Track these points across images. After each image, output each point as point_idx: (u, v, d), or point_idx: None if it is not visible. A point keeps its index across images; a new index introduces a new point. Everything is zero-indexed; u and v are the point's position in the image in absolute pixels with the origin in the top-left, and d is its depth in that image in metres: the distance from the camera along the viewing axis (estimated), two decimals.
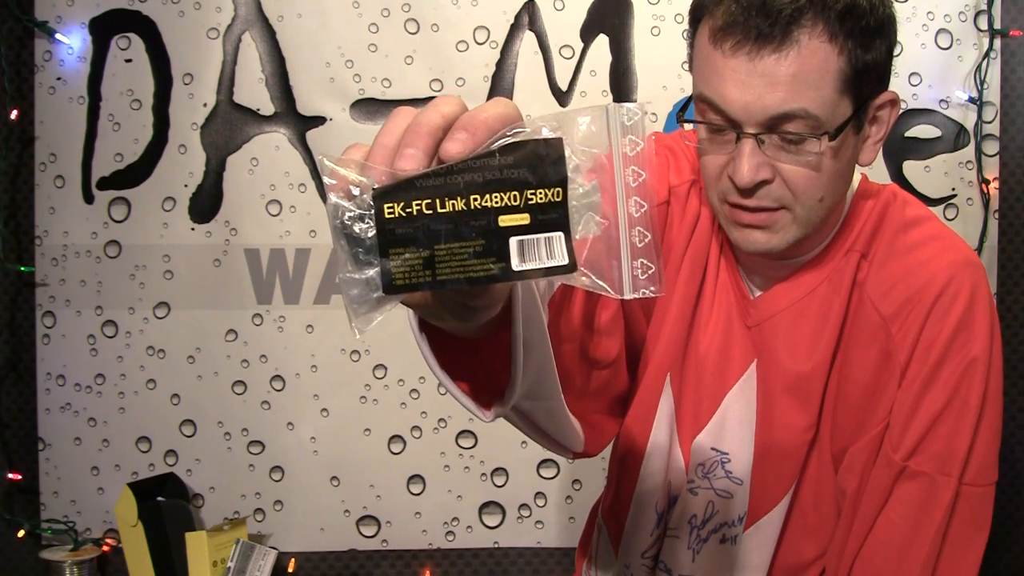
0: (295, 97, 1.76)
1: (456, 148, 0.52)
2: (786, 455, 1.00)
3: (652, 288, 0.56)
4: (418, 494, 1.81)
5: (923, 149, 1.76)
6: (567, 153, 0.53)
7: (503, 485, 1.80)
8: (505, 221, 0.52)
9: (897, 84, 1.75)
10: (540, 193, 0.52)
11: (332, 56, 1.75)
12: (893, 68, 1.85)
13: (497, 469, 1.80)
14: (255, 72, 1.75)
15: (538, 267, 0.53)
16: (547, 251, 0.53)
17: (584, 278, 0.54)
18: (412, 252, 0.52)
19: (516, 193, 0.52)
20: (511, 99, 1.81)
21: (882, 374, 0.95)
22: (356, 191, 0.53)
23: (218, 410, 1.79)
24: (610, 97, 1.76)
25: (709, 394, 1.02)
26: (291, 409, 1.80)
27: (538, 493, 1.81)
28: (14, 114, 1.75)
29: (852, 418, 0.97)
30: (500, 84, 1.76)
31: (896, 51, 1.78)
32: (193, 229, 1.78)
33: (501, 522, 1.81)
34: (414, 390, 1.79)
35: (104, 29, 1.76)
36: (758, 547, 1.02)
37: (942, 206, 1.75)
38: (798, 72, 0.86)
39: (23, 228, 1.78)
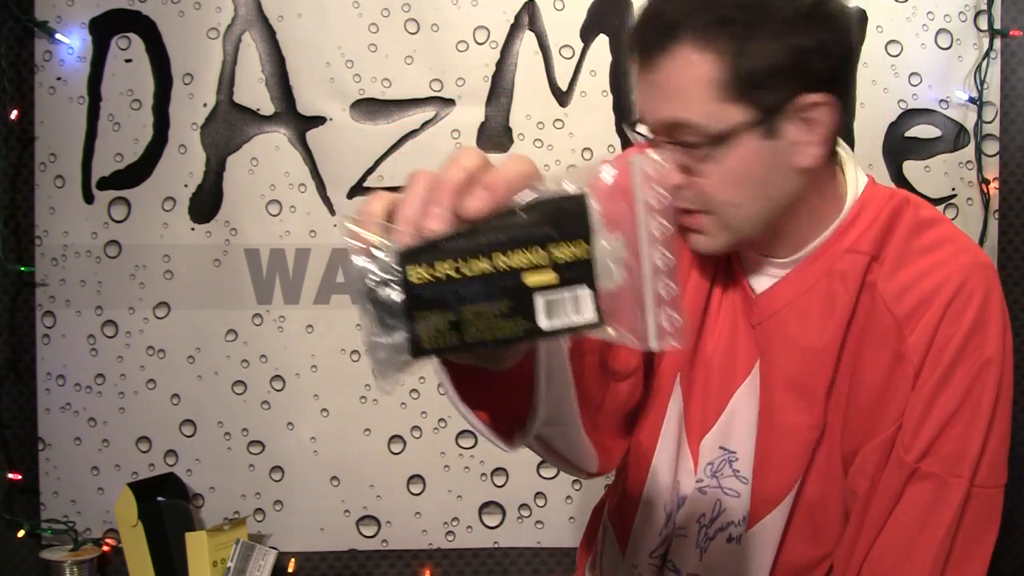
0: (295, 97, 1.76)
1: (476, 204, 0.52)
2: (788, 455, 1.00)
3: (678, 340, 0.55)
4: (418, 494, 1.81)
5: (923, 149, 1.76)
6: (591, 208, 0.52)
7: (503, 485, 1.80)
8: (531, 280, 0.52)
9: (897, 84, 1.75)
10: (565, 250, 0.52)
11: (332, 56, 1.75)
12: (893, 68, 1.84)
13: (497, 469, 1.80)
14: (255, 72, 1.76)
15: (565, 325, 0.52)
16: (573, 308, 0.52)
17: (611, 330, 0.53)
18: (439, 315, 0.52)
19: (541, 250, 0.52)
20: (511, 99, 1.82)
21: (894, 376, 0.95)
22: (381, 254, 0.52)
23: (218, 410, 1.79)
24: (610, 97, 1.76)
25: (716, 394, 1.02)
26: (291, 409, 1.80)
27: (538, 493, 1.80)
28: (14, 114, 1.75)
29: (864, 420, 0.97)
30: (500, 84, 1.76)
31: (896, 51, 1.79)
32: (193, 229, 1.78)
33: (501, 522, 1.81)
34: (414, 390, 1.79)
35: (104, 29, 1.76)
36: (761, 546, 1.02)
37: (942, 206, 1.75)
38: (673, 82, 0.90)
39: (23, 228, 1.78)
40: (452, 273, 0.52)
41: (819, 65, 0.91)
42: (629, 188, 0.54)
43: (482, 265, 0.52)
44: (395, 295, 0.52)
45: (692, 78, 0.89)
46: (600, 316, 0.52)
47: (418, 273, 0.52)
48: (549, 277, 0.52)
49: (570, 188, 0.53)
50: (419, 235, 0.52)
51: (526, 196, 0.53)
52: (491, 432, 0.69)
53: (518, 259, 0.52)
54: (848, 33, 0.94)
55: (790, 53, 0.89)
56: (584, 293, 0.52)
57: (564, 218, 0.52)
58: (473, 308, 0.52)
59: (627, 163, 0.54)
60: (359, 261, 0.52)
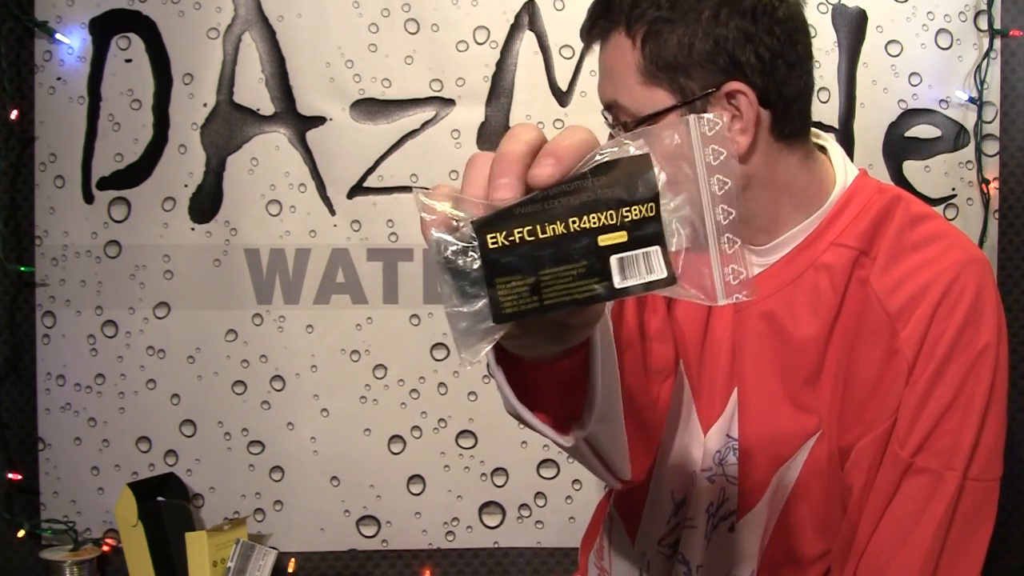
0: (295, 97, 1.76)
1: (546, 172, 0.53)
2: (766, 444, 1.00)
3: (744, 292, 0.57)
4: (418, 494, 1.81)
5: (923, 149, 1.76)
6: (656, 168, 0.54)
7: (503, 485, 1.80)
8: (604, 240, 0.53)
9: (897, 84, 1.75)
10: (635, 210, 0.53)
11: (332, 56, 1.75)
12: (893, 68, 1.85)
13: (497, 469, 1.80)
14: (255, 72, 1.76)
15: (639, 283, 0.54)
16: (646, 266, 0.54)
17: (680, 288, 0.55)
18: (518, 280, 0.53)
19: (612, 212, 0.53)
20: (511, 99, 1.83)
21: (888, 371, 0.95)
22: (456, 224, 0.54)
23: (218, 410, 1.79)
24: None
25: (724, 381, 1.03)
26: (291, 409, 1.80)
27: (538, 493, 1.81)
28: (14, 114, 1.75)
29: (858, 415, 0.97)
30: (500, 84, 1.76)
31: (896, 51, 1.79)
32: (193, 229, 1.78)
33: (501, 522, 1.81)
34: (414, 390, 1.79)
35: (104, 29, 1.76)
36: (748, 536, 1.03)
37: (942, 206, 1.75)
38: (608, 65, 0.98)
39: (23, 228, 1.78)
40: (528, 238, 0.53)
41: (744, 56, 0.93)
42: (686, 149, 0.56)
43: (557, 228, 0.53)
44: (474, 263, 0.53)
45: (622, 61, 0.95)
46: (671, 273, 0.54)
47: (495, 239, 0.53)
48: (621, 237, 0.53)
49: (634, 150, 0.54)
50: (492, 206, 0.54)
51: (592, 161, 0.55)
52: (550, 430, 0.71)
53: (591, 221, 0.53)
54: (783, 25, 0.94)
55: (711, 42, 0.92)
56: (655, 251, 0.54)
57: (632, 179, 0.54)
58: (550, 271, 0.53)
59: (684, 124, 0.56)
60: (436, 233, 0.54)
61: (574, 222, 0.53)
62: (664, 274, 0.54)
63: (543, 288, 0.53)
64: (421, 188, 0.55)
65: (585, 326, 0.60)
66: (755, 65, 0.93)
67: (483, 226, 0.53)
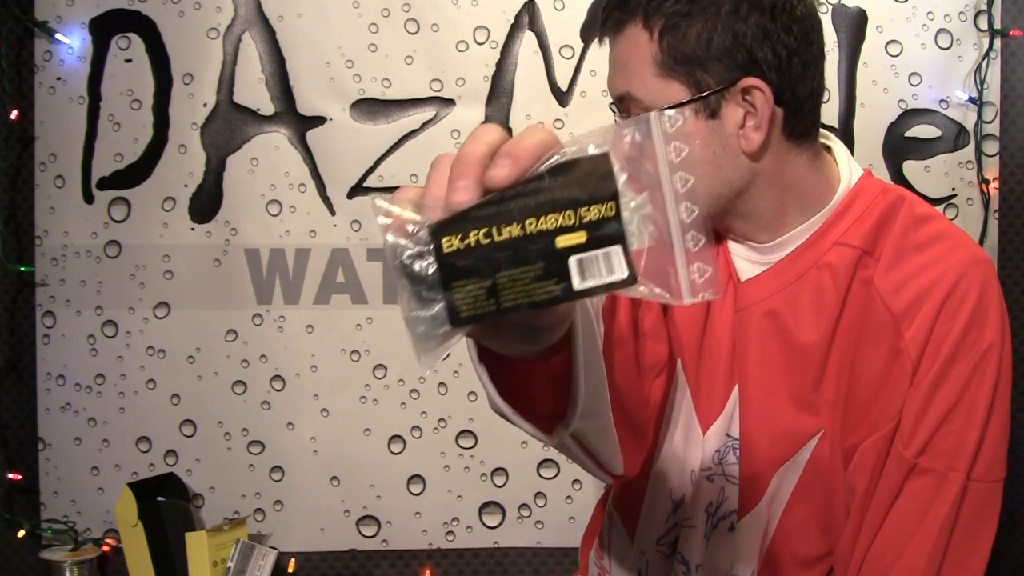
0: (295, 97, 1.76)
1: (501, 173, 0.53)
2: (767, 443, 1.00)
3: (710, 291, 0.56)
4: (418, 494, 1.81)
5: (923, 149, 1.76)
6: (615, 167, 0.53)
7: (503, 485, 1.80)
8: (562, 241, 0.52)
9: (897, 84, 1.75)
10: (593, 210, 0.52)
11: (332, 56, 1.75)
12: (893, 68, 1.85)
13: (497, 469, 1.80)
14: (255, 72, 1.76)
15: (599, 283, 0.52)
16: (606, 266, 0.52)
17: (642, 288, 0.54)
18: (475, 283, 0.52)
19: (570, 212, 0.52)
20: (511, 99, 1.82)
21: (892, 371, 0.95)
22: (412, 228, 0.53)
23: (218, 410, 1.79)
24: (610, 97, 1.76)
25: (723, 380, 1.03)
26: (291, 409, 1.80)
27: (538, 493, 1.81)
28: (14, 114, 1.75)
29: (862, 416, 0.97)
30: (500, 84, 1.76)
31: (896, 51, 1.79)
32: (193, 229, 1.78)
33: (501, 522, 1.81)
34: (414, 390, 1.79)
35: (104, 29, 1.76)
36: (749, 536, 1.03)
37: (942, 206, 1.75)
38: (623, 57, 0.97)
39: (23, 228, 1.78)
40: (484, 240, 0.52)
41: (761, 53, 0.93)
42: (649, 146, 0.55)
43: (513, 231, 0.52)
44: (430, 267, 0.53)
45: (637, 54, 0.95)
46: (632, 273, 0.53)
47: (451, 243, 0.52)
48: (580, 238, 0.52)
49: (592, 149, 0.53)
50: (449, 209, 0.53)
51: (549, 161, 0.54)
52: (532, 427, 0.71)
53: (548, 222, 0.52)
54: (801, 24, 0.94)
55: (730, 37, 0.92)
56: (615, 251, 0.52)
57: (590, 179, 0.52)
58: (507, 273, 0.52)
59: (645, 122, 0.55)
60: (392, 237, 0.53)
61: (531, 223, 0.52)
62: (625, 274, 0.52)
63: (500, 291, 0.52)
64: (380, 193, 0.54)
65: (554, 326, 0.60)
66: (772, 62, 0.93)
67: (438, 229, 0.53)
